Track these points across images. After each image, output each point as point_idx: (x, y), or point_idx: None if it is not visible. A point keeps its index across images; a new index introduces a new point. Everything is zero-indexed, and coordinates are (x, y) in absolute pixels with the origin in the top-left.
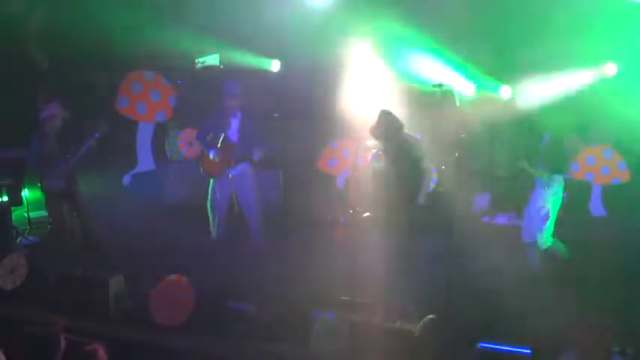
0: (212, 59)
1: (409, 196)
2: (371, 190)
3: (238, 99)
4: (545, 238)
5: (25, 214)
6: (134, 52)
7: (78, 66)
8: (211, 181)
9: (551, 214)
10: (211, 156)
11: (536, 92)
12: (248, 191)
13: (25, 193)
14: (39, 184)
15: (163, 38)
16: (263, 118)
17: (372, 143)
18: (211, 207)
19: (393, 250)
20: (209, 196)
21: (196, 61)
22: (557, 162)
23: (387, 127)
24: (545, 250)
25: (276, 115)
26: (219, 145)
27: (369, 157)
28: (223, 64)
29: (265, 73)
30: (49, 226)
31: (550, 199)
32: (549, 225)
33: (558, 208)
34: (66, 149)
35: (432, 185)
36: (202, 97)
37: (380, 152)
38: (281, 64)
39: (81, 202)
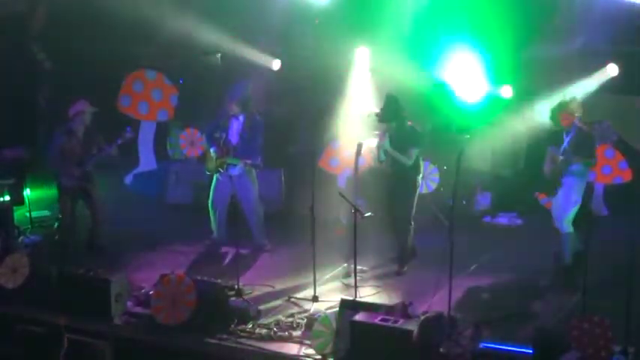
0: (214, 58)
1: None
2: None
3: (240, 103)
4: (567, 223)
5: (27, 214)
6: (136, 50)
7: (80, 65)
8: (214, 179)
9: (578, 201)
10: (212, 153)
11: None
12: (248, 191)
13: (27, 192)
14: (56, 182)
15: (166, 34)
16: (265, 117)
17: (373, 140)
18: (211, 205)
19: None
20: (210, 194)
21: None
22: (588, 149)
23: (396, 109)
24: (564, 234)
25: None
26: (221, 144)
27: (377, 135)
28: (223, 61)
29: (266, 72)
30: (57, 223)
31: (577, 189)
32: (573, 212)
33: (583, 194)
34: (88, 149)
35: (433, 185)
36: (204, 97)
37: (384, 133)
38: (282, 63)
39: (96, 202)
